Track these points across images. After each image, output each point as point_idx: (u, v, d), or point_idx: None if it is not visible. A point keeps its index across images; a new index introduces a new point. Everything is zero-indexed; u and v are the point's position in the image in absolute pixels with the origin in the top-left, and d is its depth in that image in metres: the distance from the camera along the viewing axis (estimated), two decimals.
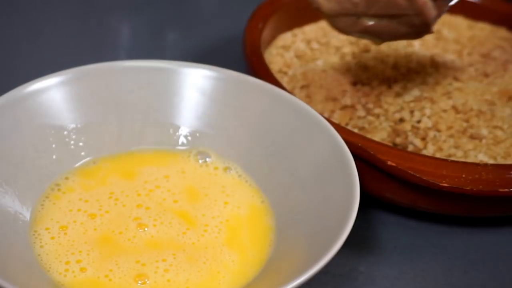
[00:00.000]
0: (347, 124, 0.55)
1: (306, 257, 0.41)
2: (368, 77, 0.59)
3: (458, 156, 0.52)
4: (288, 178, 0.48)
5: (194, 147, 0.51)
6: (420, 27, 0.49)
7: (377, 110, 0.55)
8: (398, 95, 0.57)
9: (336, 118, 0.55)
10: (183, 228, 0.45)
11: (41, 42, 0.71)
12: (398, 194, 0.51)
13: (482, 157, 0.52)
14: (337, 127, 0.48)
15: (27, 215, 0.45)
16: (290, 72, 0.60)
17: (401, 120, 0.54)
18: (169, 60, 0.52)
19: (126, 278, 0.42)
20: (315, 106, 0.56)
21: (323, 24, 0.67)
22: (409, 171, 0.47)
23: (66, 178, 0.48)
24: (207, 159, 0.50)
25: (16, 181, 0.46)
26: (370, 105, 0.56)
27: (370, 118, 0.55)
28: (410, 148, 0.53)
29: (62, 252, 0.43)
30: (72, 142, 0.49)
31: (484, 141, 0.54)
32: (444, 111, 0.56)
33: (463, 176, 0.47)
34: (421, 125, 0.54)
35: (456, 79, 0.60)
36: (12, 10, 0.74)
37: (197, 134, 0.51)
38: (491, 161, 0.52)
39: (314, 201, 0.45)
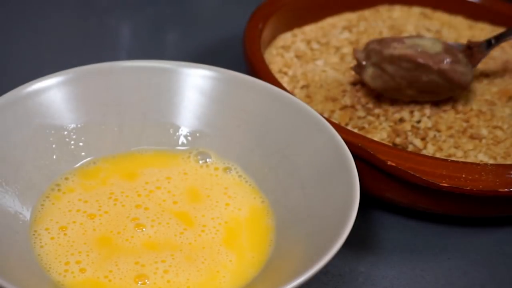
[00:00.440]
0: (347, 124, 0.55)
1: (306, 257, 0.41)
2: None
3: (458, 156, 0.52)
4: (288, 178, 0.48)
5: (194, 147, 0.51)
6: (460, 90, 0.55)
7: (377, 110, 0.55)
8: None
9: (336, 118, 0.55)
10: (180, 228, 0.45)
11: (41, 42, 0.71)
12: (398, 194, 0.51)
13: (482, 157, 0.52)
14: (337, 127, 0.48)
15: (27, 215, 0.45)
16: (290, 72, 0.60)
17: (401, 120, 0.54)
18: (169, 60, 0.52)
19: (126, 279, 0.42)
20: (315, 106, 0.56)
21: (323, 24, 0.67)
22: (409, 171, 0.47)
23: (66, 178, 0.48)
24: (208, 160, 0.50)
25: (16, 181, 0.46)
26: (370, 105, 0.56)
27: (370, 118, 0.55)
28: (410, 148, 0.53)
29: (62, 253, 0.43)
30: (72, 142, 0.49)
31: (484, 141, 0.54)
32: (444, 111, 0.56)
33: (463, 176, 0.47)
34: (421, 125, 0.54)
35: None
36: (12, 10, 0.74)
37: (197, 134, 0.51)
38: (491, 161, 0.52)
39: (314, 201, 0.45)
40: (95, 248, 0.44)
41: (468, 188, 0.47)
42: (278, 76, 0.59)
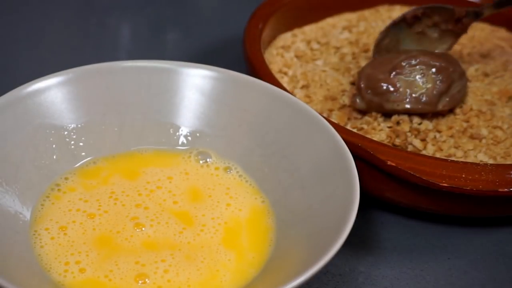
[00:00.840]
0: (345, 125, 0.55)
1: (306, 257, 0.41)
2: None
3: (458, 156, 0.52)
4: (288, 178, 0.48)
5: (194, 147, 0.51)
6: None
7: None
8: None
9: (334, 118, 0.55)
10: (179, 228, 0.45)
11: (41, 42, 0.71)
12: (398, 194, 0.51)
13: (482, 157, 0.52)
14: (337, 127, 0.48)
15: (27, 215, 0.45)
16: (290, 72, 0.60)
17: (401, 120, 0.54)
18: (169, 60, 0.52)
19: (126, 279, 0.42)
20: (314, 106, 0.56)
21: (323, 24, 0.67)
22: (409, 171, 0.47)
23: (66, 178, 0.48)
24: (208, 160, 0.50)
25: (17, 181, 0.46)
26: None
27: (369, 119, 0.55)
28: (410, 148, 0.53)
29: (62, 253, 0.43)
30: (72, 142, 0.49)
31: (484, 141, 0.54)
32: (444, 111, 0.56)
33: (463, 176, 0.47)
34: (421, 126, 0.54)
35: None
36: (12, 10, 0.74)
37: (197, 134, 0.51)
38: (491, 161, 0.52)
39: (314, 201, 0.46)
40: (94, 248, 0.44)
41: (468, 188, 0.47)
42: (278, 76, 0.59)
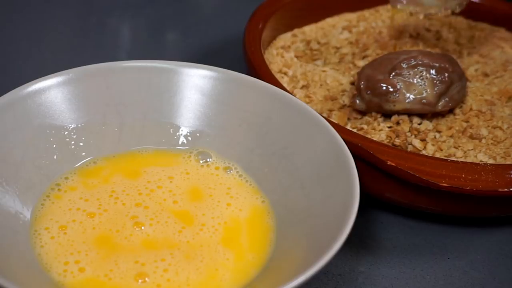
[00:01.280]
0: (345, 125, 0.55)
1: (306, 257, 0.41)
2: None
3: (458, 156, 0.52)
4: (288, 178, 0.48)
5: (194, 147, 0.51)
6: None
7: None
8: None
9: (334, 118, 0.55)
10: (178, 227, 0.45)
11: (41, 42, 0.71)
12: (398, 194, 0.51)
13: (482, 157, 0.52)
14: (337, 127, 0.48)
15: (27, 214, 0.45)
16: (290, 72, 0.60)
17: (400, 121, 0.54)
18: (169, 60, 0.52)
19: (126, 278, 0.42)
20: (314, 106, 0.56)
21: (323, 24, 0.67)
22: (409, 171, 0.47)
23: (66, 178, 0.48)
24: (208, 160, 0.50)
25: (17, 181, 0.46)
26: None
27: (369, 119, 0.55)
28: (410, 149, 0.53)
29: (61, 252, 0.43)
30: (72, 142, 0.49)
31: (483, 141, 0.54)
32: (444, 111, 0.56)
33: (463, 176, 0.47)
34: (421, 126, 0.54)
35: None
36: (12, 10, 0.75)
37: (197, 134, 0.51)
38: (491, 161, 0.52)
39: (314, 201, 0.46)
40: (94, 247, 0.44)
41: (468, 188, 0.47)
42: (278, 76, 0.59)
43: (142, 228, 0.45)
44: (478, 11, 0.69)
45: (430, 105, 0.54)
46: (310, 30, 0.66)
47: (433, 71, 0.54)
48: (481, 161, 0.52)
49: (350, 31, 0.66)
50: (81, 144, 0.50)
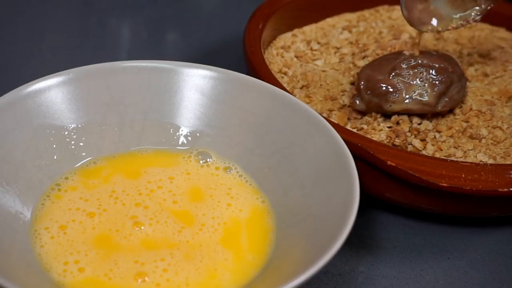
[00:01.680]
0: (345, 125, 0.55)
1: (306, 257, 0.41)
2: None
3: (458, 156, 0.52)
4: (288, 178, 0.48)
5: (194, 147, 0.51)
6: None
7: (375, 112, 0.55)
8: None
9: (334, 118, 0.55)
10: (178, 227, 0.46)
11: (41, 42, 0.71)
12: (398, 194, 0.51)
13: (482, 157, 0.52)
14: (337, 127, 0.48)
15: (27, 214, 0.45)
16: (290, 72, 0.60)
17: (400, 121, 0.54)
18: (169, 60, 0.52)
19: (126, 278, 0.42)
20: (314, 106, 0.56)
21: (323, 24, 0.67)
22: (409, 171, 0.47)
23: (67, 178, 0.48)
24: (208, 160, 0.51)
25: (17, 181, 0.46)
26: None
27: (369, 119, 0.55)
28: (410, 148, 0.53)
29: (61, 252, 0.43)
30: (72, 142, 0.49)
31: (483, 141, 0.54)
32: (444, 111, 0.56)
33: (463, 176, 0.47)
34: (421, 126, 0.54)
35: None
36: (12, 10, 0.75)
37: (197, 134, 0.51)
38: (491, 161, 0.52)
39: (314, 201, 0.46)
40: (93, 247, 0.44)
41: (467, 188, 0.47)
42: (278, 76, 0.59)
43: (142, 228, 0.45)
44: None
45: (430, 105, 0.54)
46: (310, 30, 0.66)
47: (433, 71, 0.54)
48: (481, 161, 0.52)
49: (350, 31, 0.66)
50: (81, 144, 0.50)
